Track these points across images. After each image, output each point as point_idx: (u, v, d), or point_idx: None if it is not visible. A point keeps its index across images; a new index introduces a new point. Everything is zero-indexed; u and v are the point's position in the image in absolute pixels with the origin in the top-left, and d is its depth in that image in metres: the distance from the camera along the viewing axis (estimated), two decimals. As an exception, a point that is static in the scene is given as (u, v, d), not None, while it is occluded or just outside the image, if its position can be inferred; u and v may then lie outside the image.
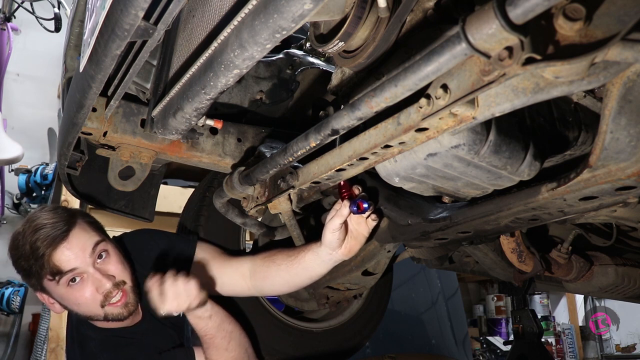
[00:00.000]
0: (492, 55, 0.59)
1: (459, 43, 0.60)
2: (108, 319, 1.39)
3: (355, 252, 1.35)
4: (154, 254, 1.57)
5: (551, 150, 0.95)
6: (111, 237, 1.54)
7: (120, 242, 1.57)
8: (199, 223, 1.73)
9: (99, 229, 1.44)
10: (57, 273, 1.32)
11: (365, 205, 1.23)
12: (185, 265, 1.56)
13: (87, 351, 1.48)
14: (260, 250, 1.61)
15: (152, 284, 1.33)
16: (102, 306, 1.36)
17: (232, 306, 1.66)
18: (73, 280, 1.34)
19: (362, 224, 1.31)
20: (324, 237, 1.33)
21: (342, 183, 1.26)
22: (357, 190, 1.26)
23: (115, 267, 1.39)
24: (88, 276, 1.34)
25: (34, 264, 1.32)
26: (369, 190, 1.30)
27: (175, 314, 1.34)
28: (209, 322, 1.43)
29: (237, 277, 1.55)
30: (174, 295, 1.31)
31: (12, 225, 4.36)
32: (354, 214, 1.25)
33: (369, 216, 1.27)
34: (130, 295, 1.40)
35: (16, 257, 1.35)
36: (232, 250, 1.68)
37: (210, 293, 1.60)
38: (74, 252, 1.32)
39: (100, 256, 1.38)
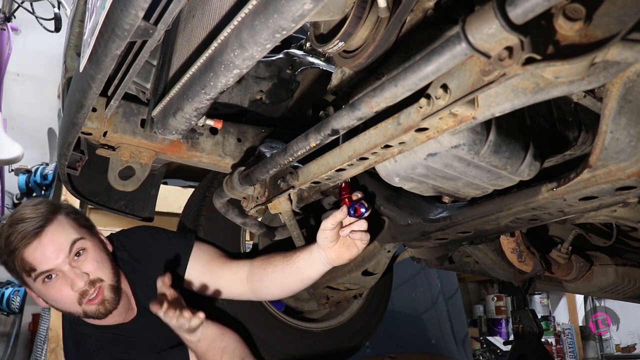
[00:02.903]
0: (492, 55, 0.59)
1: (459, 43, 0.60)
2: (88, 316, 1.38)
3: (344, 261, 1.34)
4: (151, 250, 1.57)
5: (551, 150, 0.95)
6: (109, 234, 1.54)
7: (117, 239, 1.57)
8: (199, 223, 1.73)
9: (82, 225, 1.43)
10: (30, 270, 1.31)
11: (363, 210, 1.23)
12: (182, 264, 1.56)
13: (84, 349, 1.48)
14: (260, 254, 1.60)
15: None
16: (80, 304, 1.35)
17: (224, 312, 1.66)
18: (48, 277, 1.33)
19: (356, 235, 1.29)
20: (317, 235, 1.33)
21: (343, 185, 1.26)
22: (358, 194, 1.26)
23: (91, 264, 1.37)
24: (62, 274, 1.33)
25: (8, 259, 1.32)
26: (369, 197, 1.30)
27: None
28: (198, 344, 1.43)
29: (234, 280, 1.54)
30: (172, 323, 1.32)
31: (12, 226, 4.34)
32: (350, 216, 1.25)
33: (356, 231, 1.26)
34: (107, 293, 1.38)
35: None
36: (232, 253, 1.68)
37: (206, 295, 1.61)
38: (48, 249, 1.31)
39: (78, 254, 1.36)
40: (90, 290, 1.35)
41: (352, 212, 1.23)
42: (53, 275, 1.33)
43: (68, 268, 1.33)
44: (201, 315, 1.35)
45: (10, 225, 1.31)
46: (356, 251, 1.32)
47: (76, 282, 1.33)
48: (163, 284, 1.36)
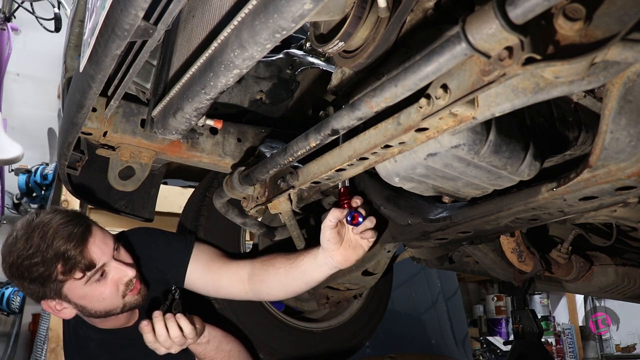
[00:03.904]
0: (492, 55, 0.59)
1: (459, 43, 0.60)
2: (125, 309, 1.40)
3: (352, 262, 1.32)
4: (151, 252, 1.57)
5: (551, 150, 0.95)
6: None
7: (117, 240, 1.57)
8: (198, 223, 1.73)
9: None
10: (90, 268, 1.30)
11: (360, 219, 1.22)
12: (182, 265, 1.56)
13: (87, 352, 1.48)
14: (260, 254, 1.60)
15: (145, 327, 1.34)
16: (124, 296, 1.38)
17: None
18: (102, 275, 1.34)
19: (367, 234, 1.28)
20: (321, 238, 1.31)
21: (342, 190, 1.25)
22: (357, 200, 1.25)
23: (129, 257, 1.42)
24: (111, 269, 1.36)
25: (59, 267, 1.27)
26: (369, 202, 1.29)
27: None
28: (207, 347, 1.45)
29: (235, 280, 1.54)
30: (166, 339, 1.34)
31: (11, 225, 4.35)
32: (347, 224, 1.24)
33: (364, 231, 1.26)
34: (141, 283, 1.43)
35: (27, 267, 1.27)
36: (232, 253, 1.68)
37: (207, 295, 1.61)
38: (100, 247, 1.34)
39: (117, 249, 1.40)
40: (134, 280, 1.39)
41: (349, 219, 1.23)
42: (106, 270, 1.35)
43: (115, 263, 1.36)
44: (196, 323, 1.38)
45: (54, 236, 1.26)
46: (362, 251, 1.31)
47: (127, 272, 1.37)
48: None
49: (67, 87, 1.39)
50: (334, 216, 1.24)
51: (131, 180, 1.45)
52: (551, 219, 0.99)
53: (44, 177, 3.98)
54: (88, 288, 1.34)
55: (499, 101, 0.69)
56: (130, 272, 1.38)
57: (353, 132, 0.93)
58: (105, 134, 1.34)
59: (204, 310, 1.70)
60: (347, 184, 1.25)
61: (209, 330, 1.44)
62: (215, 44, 0.83)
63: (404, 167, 0.95)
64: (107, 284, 1.35)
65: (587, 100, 0.96)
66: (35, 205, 4.10)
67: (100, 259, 1.32)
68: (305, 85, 1.67)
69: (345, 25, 0.86)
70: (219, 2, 0.89)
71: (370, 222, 1.25)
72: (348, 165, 1.00)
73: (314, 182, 1.15)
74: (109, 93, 1.22)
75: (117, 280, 1.36)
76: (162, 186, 1.87)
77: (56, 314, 1.42)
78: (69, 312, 1.41)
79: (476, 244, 1.49)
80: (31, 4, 3.80)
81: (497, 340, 5.57)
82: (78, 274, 1.30)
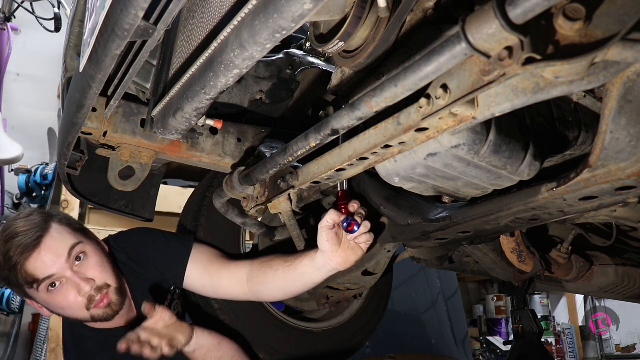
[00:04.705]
0: (492, 55, 0.59)
1: (459, 43, 0.60)
2: (95, 320, 1.39)
3: (351, 264, 1.31)
4: (149, 252, 1.57)
5: (551, 150, 0.95)
6: (107, 236, 1.54)
7: (115, 241, 1.57)
8: (198, 223, 1.73)
9: (77, 230, 1.43)
10: (34, 282, 1.31)
11: (356, 228, 1.22)
12: (181, 266, 1.56)
13: (85, 350, 1.48)
14: (260, 255, 1.60)
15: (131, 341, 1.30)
16: (88, 309, 1.36)
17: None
18: (52, 285, 1.33)
19: (362, 238, 1.27)
20: (318, 240, 1.30)
21: (340, 194, 1.24)
22: (354, 205, 1.24)
23: (95, 270, 1.38)
24: (67, 280, 1.34)
25: (9, 274, 1.31)
26: (365, 204, 1.29)
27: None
28: (194, 355, 1.44)
29: (234, 281, 1.54)
30: (151, 347, 1.31)
31: (11, 226, 4.34)
32: (344, 230, 1.24)
33: (361, 235, 1.25)
34: (112, 296, 1.40)
35: None
36: (231, 253, 1.68)
37: (207, 295, 1.61)
38: (49, 258, 1.32)
39: (78, 258, 1.37)
40: (97, 296, 1.36)
41: (345, 225, 1.22)
42: (57, 283, 1.33)
43: (71, 274, 1.34)
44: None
45: (7, 241, 1.30)
46: (361, 253, 1.30)
47: (82, 286, 1.34)
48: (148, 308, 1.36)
49: (67, 87, 1.39)
50: (330, 218, 1.23)
51: (131, 180, 1.45)
52: (551, 219, 0.99)
53: (44, 177, 3.98)
54: (45, 296, 1.34)
55: (499, 101, 0.69)
56: (86, 287, 1.34)
57: (353, 132, 0.93)
58: (105, 134, 1.34)
59: (203, 312, 1.70)
60: (345, 187, 1.24)
61: (198, 340, 1.43)
62: (215, 44, 0.83)
63: (404, 167, 0.95)
64: (62, 294, 1.34)
65: (587, 100, 0.96)
66: (35, 205, 4.09)
67: (44, 272, 1.31)
68: (305, 85, 1.67)
69: (345, 25, 0.86)
70: (219, 2, 0.89)
71: (365, 227, 1.24)
72: (348, 165, 1.00)
73: (314, 182, 1.15)
74: (109, 93, 1.22)
75: (75, 293, 1.34)
76: (162, 186, 1.87)
77: (39, 311, 1.44)
78: (47, 312, 1.42)
79: (476, 244, 1.49)
80: (31, 4, 3.80)
81: (497, 340, 5.56)
82: (26, 285, 1.32)
